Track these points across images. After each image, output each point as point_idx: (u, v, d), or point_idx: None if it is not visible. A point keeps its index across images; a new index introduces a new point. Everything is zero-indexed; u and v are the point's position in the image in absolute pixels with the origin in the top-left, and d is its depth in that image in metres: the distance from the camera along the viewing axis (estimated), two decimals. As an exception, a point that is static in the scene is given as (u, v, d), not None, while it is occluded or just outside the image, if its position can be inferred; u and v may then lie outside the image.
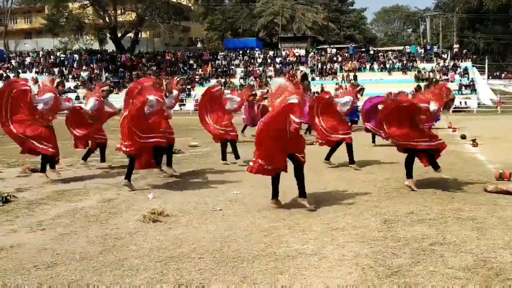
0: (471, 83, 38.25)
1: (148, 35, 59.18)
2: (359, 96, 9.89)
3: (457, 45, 47.32)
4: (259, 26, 58.01)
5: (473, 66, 42.08)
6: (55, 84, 8.53)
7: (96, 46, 56.39)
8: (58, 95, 8.48)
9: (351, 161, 9.46)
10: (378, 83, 37.60)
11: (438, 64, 41.93)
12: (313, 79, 42.45)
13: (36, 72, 48.80)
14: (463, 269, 3.99)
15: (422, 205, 6.24)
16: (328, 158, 9.66)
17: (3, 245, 4.72)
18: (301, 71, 6.14)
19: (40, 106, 8.16)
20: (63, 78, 45.63)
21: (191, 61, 48.71)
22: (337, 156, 9.66)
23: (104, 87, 9.66)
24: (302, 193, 6.15)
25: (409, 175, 7.33)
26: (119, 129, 7.47)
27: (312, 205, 6.11)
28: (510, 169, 8.26)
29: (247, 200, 6.66)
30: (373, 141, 13.42)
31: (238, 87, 41.64)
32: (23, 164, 9.82)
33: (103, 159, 9.95)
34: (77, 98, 42.99)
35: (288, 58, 46.72)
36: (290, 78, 6.20)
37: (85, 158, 9.76)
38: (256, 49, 50.29)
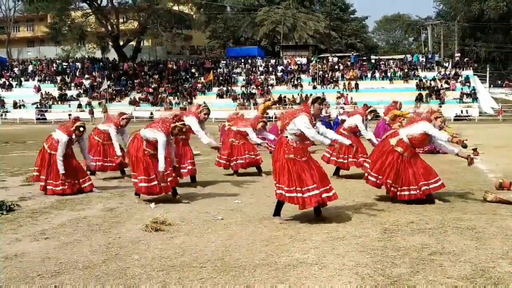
0: (473, 91, 38.30)
1: (150, 43, 59.44)
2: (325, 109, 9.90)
3: (459, 54, 47.49)
4: (261, 35, 58.30)
5: (474, 74, 42.18)
6: (73, 128, 7.92)
7: (98, 54, 56.71)
8: (73, 138, 7.93)
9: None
10: (380, 92, 37.81)
11: (439, 72, 42.00)
12: (314, 87, 42.63)
13: (39, 81, 49.03)
14: (462, 279, 4.03)
15: (422, 215, 6.28)
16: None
17: (7, 254, 4.78)
18: (318, 96, 6.00)
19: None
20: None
21: (193, 70, 48.88)
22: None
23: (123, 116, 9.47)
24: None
25: None
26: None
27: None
28: (510, 178, 8.31)
29: (249, 209, 6.71)
30: None
31: (239, 95, 41.90)
32: (26, 172, 9.88)
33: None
34: (79, 106, 43.26)
35: (289, 67, 46.84)
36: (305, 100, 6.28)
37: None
38: (258, 57, 50.45)
